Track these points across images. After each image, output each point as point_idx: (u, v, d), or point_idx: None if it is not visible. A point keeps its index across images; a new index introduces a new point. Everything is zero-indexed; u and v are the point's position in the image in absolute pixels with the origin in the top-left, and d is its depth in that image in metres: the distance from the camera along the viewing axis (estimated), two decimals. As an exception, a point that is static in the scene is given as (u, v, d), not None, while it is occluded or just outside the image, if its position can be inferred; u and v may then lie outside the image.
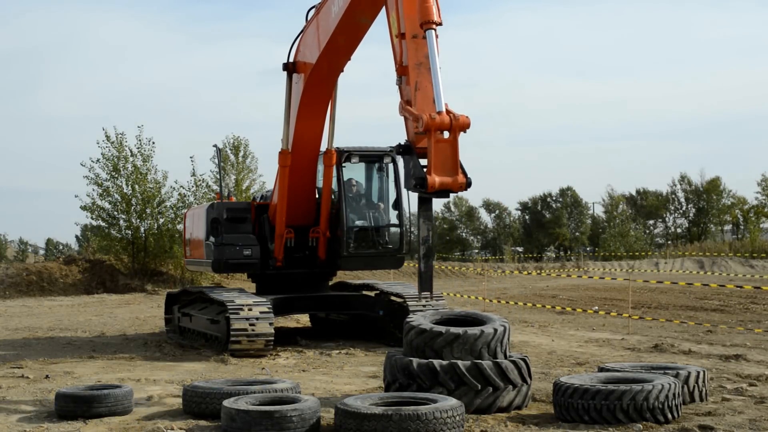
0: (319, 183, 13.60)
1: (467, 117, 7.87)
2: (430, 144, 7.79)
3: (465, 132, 7.89)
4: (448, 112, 7.84)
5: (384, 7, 9.23)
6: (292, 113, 12.49)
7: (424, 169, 7.85)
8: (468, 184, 7.90)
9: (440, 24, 8.27)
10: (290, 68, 12.39)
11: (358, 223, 13.85)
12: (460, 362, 7.72)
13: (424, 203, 8.13)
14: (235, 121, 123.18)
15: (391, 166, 13.91)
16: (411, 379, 7.84)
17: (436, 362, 7.76)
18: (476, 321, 8.42)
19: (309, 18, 11.94)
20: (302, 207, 13.46)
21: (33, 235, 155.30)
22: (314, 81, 11.90)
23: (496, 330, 8.01)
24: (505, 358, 8.02)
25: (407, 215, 14.13)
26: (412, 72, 8.38)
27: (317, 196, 13.70)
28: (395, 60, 8.75)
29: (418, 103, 8.23)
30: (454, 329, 8.03)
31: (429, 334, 8.00)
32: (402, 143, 8.28)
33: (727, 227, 70.45)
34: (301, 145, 12.70)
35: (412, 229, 14.27)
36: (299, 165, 12.88)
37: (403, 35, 8.56)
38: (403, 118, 8.43)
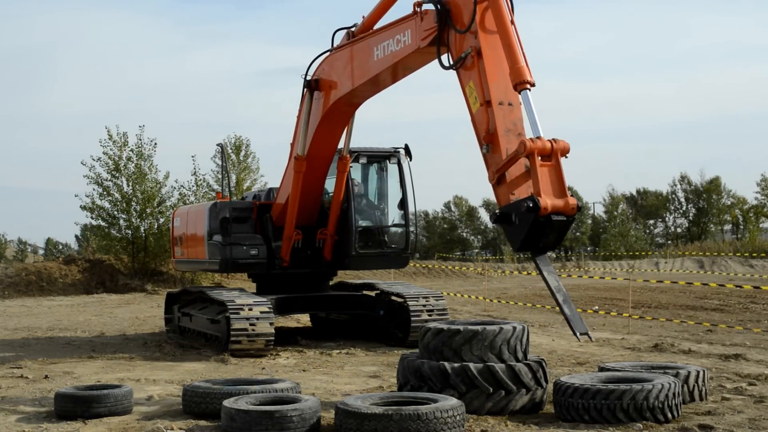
0: (328, 185, 13.58)
1: (566, 142, 7.68)
2: (534, 167, 7.54)
3: (566, 157, 7.68)
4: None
5: (457, 78, 8.85)
6: (311, 127, 12.38)
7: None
8: (579, 208, 7.63)
9: (534, 85, 7.97)
10: (312, 85, 12.28)
11: (365, 223, 13.85)
12: (471, 364, 7.63)
13: (539, 255, 7.70)
14: (234, 122, 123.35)
15: (396, 167, 13.90)
16: (422, 381, 7.79)
17: (447, 364, 7.68)
18: (494, 324, 8.29)
19: (338, 41, 11.80)
20: (310, 209, 13.47)
21: (33, 234, 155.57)
22: (340, 106, 11.86)
23: (515, 327, 7.92)
24: (525, 358, 7.95)
25: (413, 215, 14.12)
26: (502, 139, 8.07)
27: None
28: (479, 129, 8.37)
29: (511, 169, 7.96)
30: (472, 326, 7.95)
31: (447, 333, 7.90)
32: (497, 212, 7.91)
33: (727, 227, 70.49)
34: (318, 155, 12.70)
35: (415, 230, 14.25)
36: (313, 171, 12.87)
37: (489, 102, 8.28)
38: (492, 187, 8.09)
